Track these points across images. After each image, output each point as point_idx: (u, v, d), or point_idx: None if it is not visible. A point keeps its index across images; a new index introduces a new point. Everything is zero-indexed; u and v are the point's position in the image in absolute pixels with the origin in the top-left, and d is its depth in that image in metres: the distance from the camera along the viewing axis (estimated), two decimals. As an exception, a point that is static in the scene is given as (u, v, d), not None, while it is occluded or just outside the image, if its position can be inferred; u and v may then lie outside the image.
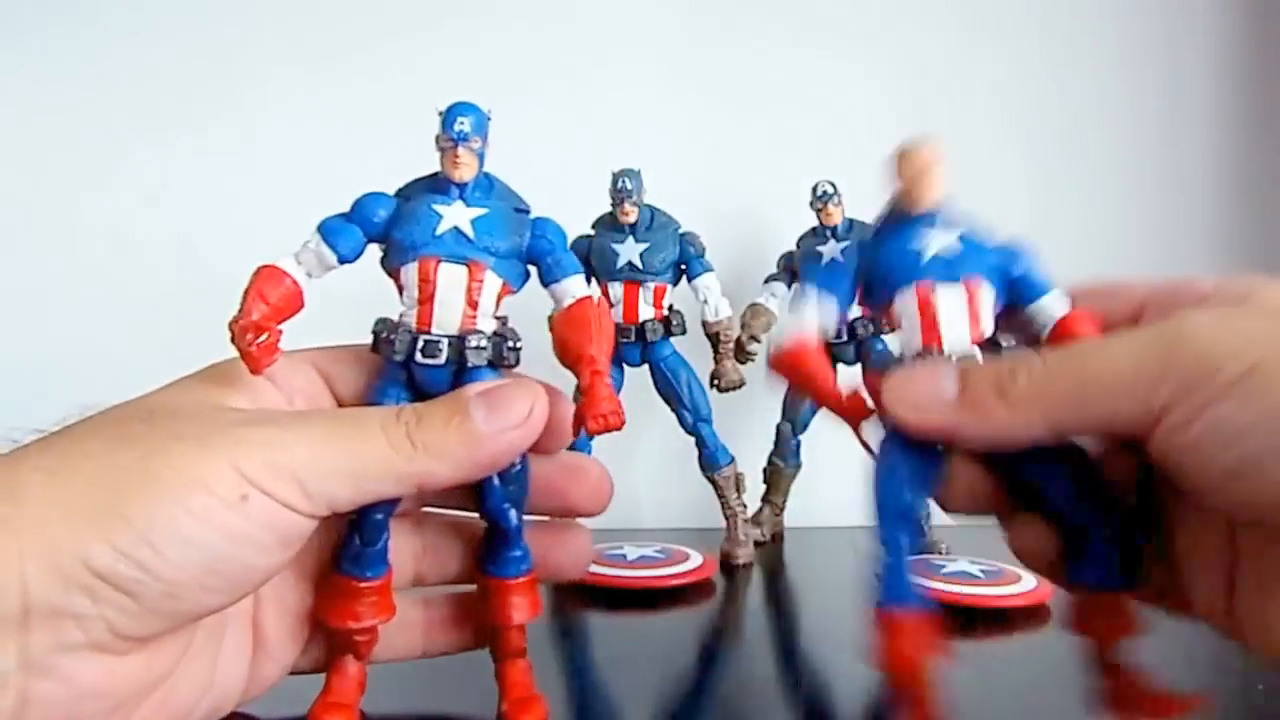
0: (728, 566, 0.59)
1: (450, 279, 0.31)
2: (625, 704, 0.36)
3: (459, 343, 0.31)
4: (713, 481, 0.60)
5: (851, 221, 0.62)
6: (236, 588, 0.27)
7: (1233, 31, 0.74)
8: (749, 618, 0.53)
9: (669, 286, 0.60)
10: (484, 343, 0.31)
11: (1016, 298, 0.32)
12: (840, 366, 0.63)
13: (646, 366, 0.60)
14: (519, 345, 0.32)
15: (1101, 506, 0.30)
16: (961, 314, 0.31)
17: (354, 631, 0.31)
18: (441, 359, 0.31)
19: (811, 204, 0.61)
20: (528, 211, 0.33)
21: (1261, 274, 0.30)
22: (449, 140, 0.31)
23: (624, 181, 0.57)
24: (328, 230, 0.32)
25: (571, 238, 0.39)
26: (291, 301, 0.30)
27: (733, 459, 0.60)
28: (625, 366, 0.60)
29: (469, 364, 0.31)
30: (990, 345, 0.31)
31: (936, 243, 0.31)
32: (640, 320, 0.59)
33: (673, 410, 0.60)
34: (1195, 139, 0.74)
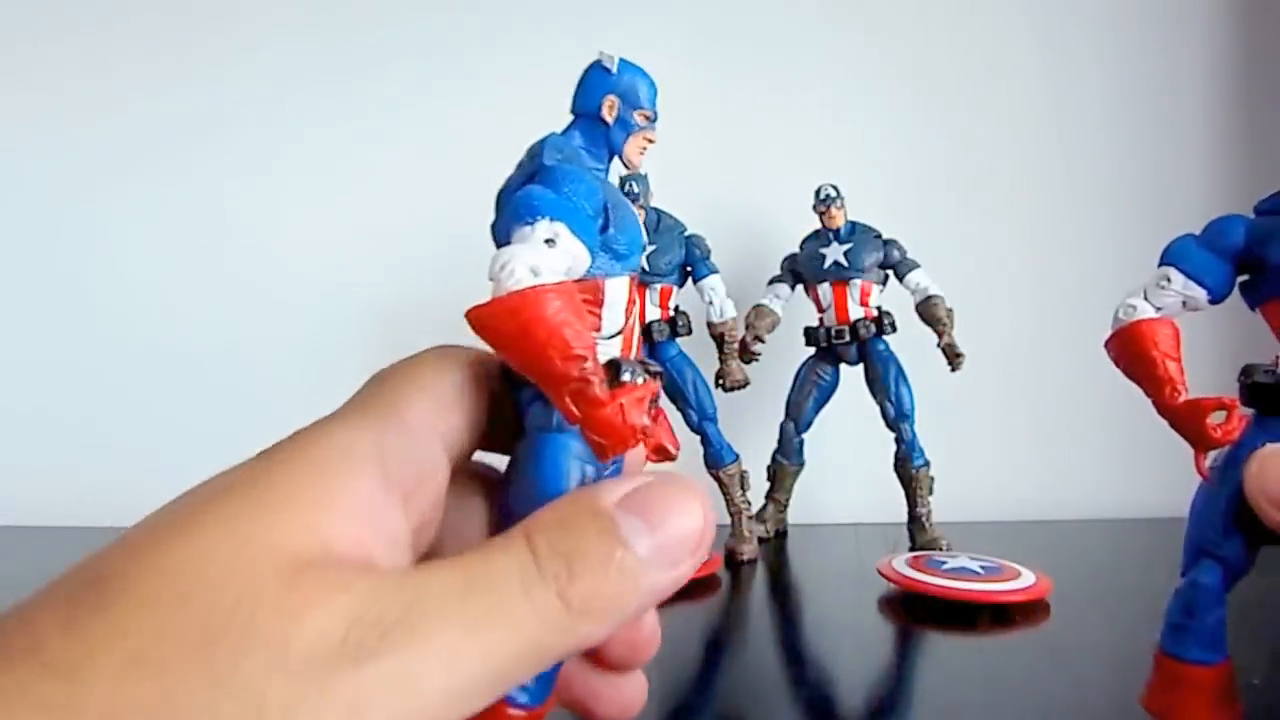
0: (733, 562, 0.60)
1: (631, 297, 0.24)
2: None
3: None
4: (718, 479, 0.61)
5: (854, 224, 0.63)
6: None
7: (1229, 39, 0.74)
8: (753, 612, 0.54)
9: (675, 288, 0.61)
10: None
11: None
12: (843, 367, 0.64)
13: (653, 366, 0.61)
14: None
15: None
16: None
17: None
18: None
19: (814, 207, 0.62)
20: None
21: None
22: (647, 118, 0.24)
23: (631, 185, 0.58)
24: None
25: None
26: None
27: (737, 457, 0.61)
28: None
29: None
30: None
31: None
32: (647, 321, 0.60)
33: (679, 409, 0.61)
34: (1190, 143, 0.75)
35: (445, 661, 0.18)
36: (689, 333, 0.61)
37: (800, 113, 0.75)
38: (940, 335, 0.59)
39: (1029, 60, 0.75)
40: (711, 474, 0.61)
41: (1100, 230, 0.73)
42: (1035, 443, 0.74)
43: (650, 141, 0.24)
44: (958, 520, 0.62)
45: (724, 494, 0.61)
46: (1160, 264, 0.28)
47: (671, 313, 0.60)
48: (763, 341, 0.63)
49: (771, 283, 0.65)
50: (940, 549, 0.58)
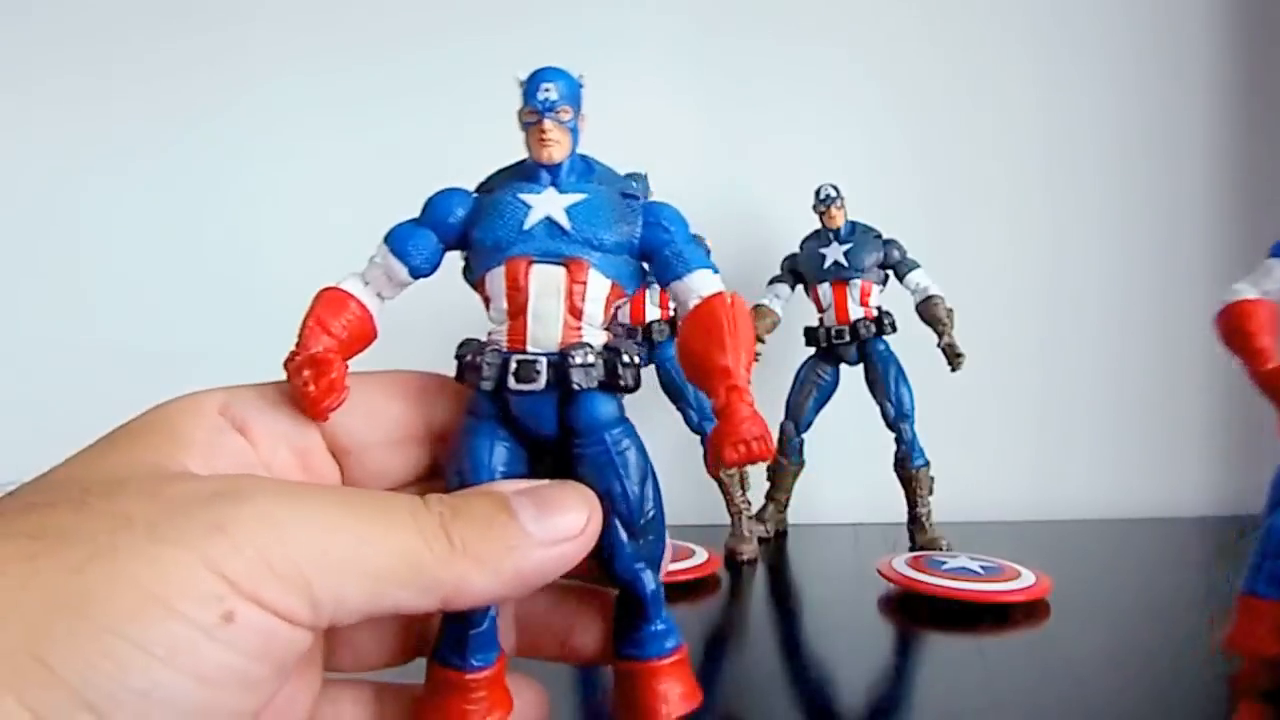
0: (733, 562, 0.60)
1: (545, 283, 0.25)
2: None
3: (561, 361, 0.25)
4: (717, 479, 0.61)
5: (854, 224, 0.63)
6: None
7: (1231, 40, 0.74)
8: (753, 612, 0.54)
9: (675, 288, 0.61)
10: (592, 359, 0.25)
11: None
12: (843, 367, 0.64)
13: (653, 367, 0.61)
14: (637, 362, 0.26)
15: None
16: None
17: None
18: (540, 383, 0.24)
19: (815, 207, 0.62)
20: (637, 197, 0.28)
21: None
22: (533, 112, 0.26)
23: (630, 184, 0.58)
24: (396, 239, 0.26)
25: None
26: (360, 330, 0.26)
27: (737, 457, 0.61)
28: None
29: (576, 387, 0.25)
30: None
31: None
32: (646, 321, 0.60)
33: (678, 409, 0.61)
34: (1192, 147, 0.75)
35: (321, 528, 0.20)
36: (689, 332, 0.61)
37: (800, 113, 0.75)
38: (940, 335, 0.59)
39: (1030, 61, 0.75)
40: (711, 475, 0.61)
41: (1101, 231, 0.73)
42: (1035, 443, 0.74)
43: (544, 133, 0.26)
44: (958, 520, 0.62)
45: (724, 494, 0.61)
46: (1268, 256, 0.32)
47: (671, 313, 0.60)
48: (762, 342, 0.63)
49: (771, 283, 0.65)
50: (940, 549, 0.58)
